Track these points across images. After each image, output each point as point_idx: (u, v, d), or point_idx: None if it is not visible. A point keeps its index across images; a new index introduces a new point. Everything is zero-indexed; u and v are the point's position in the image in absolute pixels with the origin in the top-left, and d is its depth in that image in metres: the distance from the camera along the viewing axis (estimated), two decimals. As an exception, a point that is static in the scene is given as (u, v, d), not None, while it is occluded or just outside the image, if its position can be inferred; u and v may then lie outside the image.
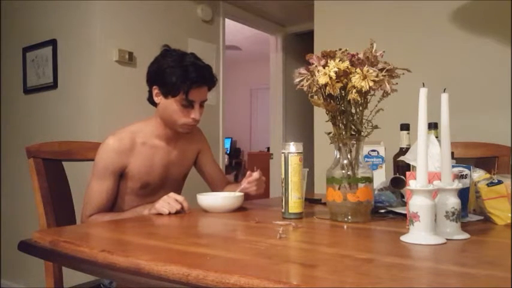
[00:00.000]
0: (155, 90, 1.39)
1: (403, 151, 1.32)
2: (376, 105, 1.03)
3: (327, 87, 0.99)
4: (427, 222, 0.79)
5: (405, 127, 1.36)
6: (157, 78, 1.37)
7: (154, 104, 1.42)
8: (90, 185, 1.35)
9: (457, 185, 0.85)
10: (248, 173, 1.37)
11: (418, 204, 0.80)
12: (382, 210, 1.15)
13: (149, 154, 1.41)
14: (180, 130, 1.41)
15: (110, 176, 1.35)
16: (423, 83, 0.84)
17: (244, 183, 1.35)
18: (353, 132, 1.06)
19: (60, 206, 1.39)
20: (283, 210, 1.12)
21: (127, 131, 1.40)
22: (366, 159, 1.43)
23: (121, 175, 1.38)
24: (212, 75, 1.40)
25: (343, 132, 1.06)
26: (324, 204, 1.28)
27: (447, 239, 0.80)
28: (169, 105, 1.36)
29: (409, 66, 1.01)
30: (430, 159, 0.94)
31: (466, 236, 0.84)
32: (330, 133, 1.09)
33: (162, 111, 1.39)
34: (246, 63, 6.88)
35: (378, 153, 1.45)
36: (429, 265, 0.67)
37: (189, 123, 1.39)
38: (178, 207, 1.20)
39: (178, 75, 1.32)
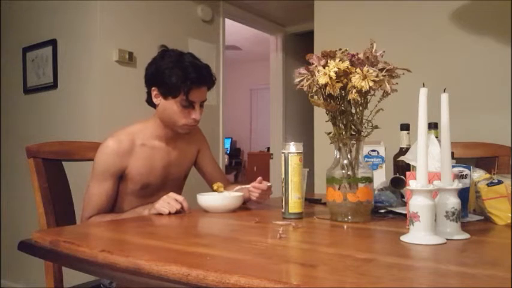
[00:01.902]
0: (154, 92, 1.39)
1: (403, 151, 1.32)
2: (376, 105, 1.03)
3: (327, 87, 0.99)
4: (427, 222, 0.79)
5: (405, 127, 1.36)
6: (157, 80, 1.37)
7: (153, 105, 1.42)
8: (90, 187, 1.34)
9: (457, 185, 0.85)
10: (259, 178, 1.36)
11: (418, 204, 0.80)
12: (382, 210, 1.15)
13: (149, 155, 1.40)
14: (180, 131, 1.41)
15: (110, 178, 1.34)
16: (423, 83, 0.84)
17: (251, 186, 1.35)
18: (353, 132, 1.06)
19: (60, 206, 1.39)
20: (283, 210, 1.12)
21: (126, 133, 1.39)
22: (366, 159, 1.43)
23: (121, 176, 1.38)
24: (211, 75, 1.40)
25: (343, 132, 1.06)
26: (324, 204, 1.28)
27: (447, 239, 0.80)
28: (169, 106, 1.36)
29: (409, 66, 1.01)
30: (430, 159, 0.94)
31: (466, 236, 0.84)
32: (330, 133, 1.09)
33: (162, 112, 1.39)
34: (246, 63, 6.88)
35: (378, 153, 1.46)
36: (429, 265, 0.67)
37: (190, 123, 1.39)
38: (178, 207, 1.20)
39: (178, 75, 1.31)
